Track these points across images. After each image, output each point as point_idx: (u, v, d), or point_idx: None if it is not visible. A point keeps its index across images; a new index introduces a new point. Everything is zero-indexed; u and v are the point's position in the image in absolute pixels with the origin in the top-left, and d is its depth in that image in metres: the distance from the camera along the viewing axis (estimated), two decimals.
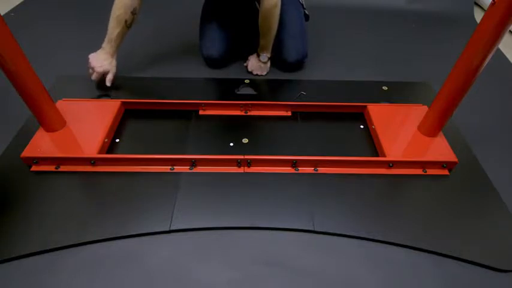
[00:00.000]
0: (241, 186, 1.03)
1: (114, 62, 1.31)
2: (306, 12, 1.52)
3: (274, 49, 1.43)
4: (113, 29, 1.23)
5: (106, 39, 1.26)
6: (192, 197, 0.99)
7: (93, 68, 1.27)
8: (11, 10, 1.92)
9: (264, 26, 1.32)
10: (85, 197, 0.99)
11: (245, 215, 0.96)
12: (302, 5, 1.51)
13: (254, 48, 1.47)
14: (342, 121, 1.27)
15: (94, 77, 1.28)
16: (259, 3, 1.30)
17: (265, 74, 1.48)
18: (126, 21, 1.22)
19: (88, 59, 1.28)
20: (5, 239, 0.88)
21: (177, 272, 0.85)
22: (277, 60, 1.50)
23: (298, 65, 1.50)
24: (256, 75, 1.48)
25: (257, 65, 1.46)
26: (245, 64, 1.50)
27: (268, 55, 1.44)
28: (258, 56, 1.45)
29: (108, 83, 1.30)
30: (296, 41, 1.45)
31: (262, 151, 1.10)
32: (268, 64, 1.48)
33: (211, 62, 1.51)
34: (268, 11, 1.27)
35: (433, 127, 1.12)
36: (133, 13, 1.23)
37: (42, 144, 1.06)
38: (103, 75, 1.30)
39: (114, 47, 1.28)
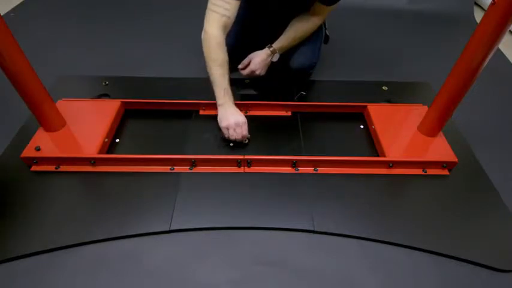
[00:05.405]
0: (241, 186, 1.03)
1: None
2: (327, 32, 1.44)
3: (284, 55, 1.33)
4: (221, 77, 1.06)
5: (221, 91, 1.07)
6: (192, 197, 0.99)
7: (243, 136, 1.10)
8: (11, 10, 1.92)
9: (301, 31, 1.28)
10: (85, 197, 0.99)
11: (245, 215, 0.96)
12: (324, 24, 1.42)
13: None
14: (342, 121, 1.27)
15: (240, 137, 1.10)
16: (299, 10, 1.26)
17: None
18: (227, 62, 1.08)
19: (229, 127, 1.07)
20: (5, 239, 0.88)
21: (177, 272, 0.85)
22: (283, 66, 1.40)
23: (302, 72, 1.42)
24: (250, 77, 1.32)
25: (264, 63, 1.30)
26: (243, 64, 1.31)
27: (278, 57, 1.33)
28: (271, 54, 1.29)
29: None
30: (305, 50, 1.37)
31: (262, 151, 1.10)
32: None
33: None
34: (313, 26, 1.28)
35: (433, 127, 1.12)
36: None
37: (42, 144, 1.06)
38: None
39: (231, 93, 1.10)
